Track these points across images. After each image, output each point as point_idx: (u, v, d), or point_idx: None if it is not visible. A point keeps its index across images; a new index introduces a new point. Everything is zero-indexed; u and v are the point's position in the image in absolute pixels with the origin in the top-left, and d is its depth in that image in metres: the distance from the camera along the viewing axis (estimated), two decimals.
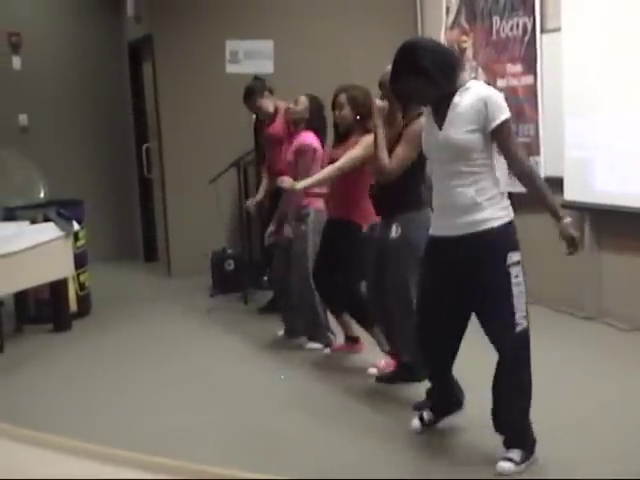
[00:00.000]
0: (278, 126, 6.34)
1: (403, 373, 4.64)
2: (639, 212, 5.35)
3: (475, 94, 3.44)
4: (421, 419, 3.96)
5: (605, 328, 5.63)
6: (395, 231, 4.32)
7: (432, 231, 3.66)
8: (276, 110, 6.46)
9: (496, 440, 3.60)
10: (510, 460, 3.48)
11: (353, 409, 4.39)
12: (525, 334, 3.50)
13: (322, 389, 4.72)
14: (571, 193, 5.90)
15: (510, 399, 3.54)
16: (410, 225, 4.27)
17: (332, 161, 5.05)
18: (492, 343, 3.56)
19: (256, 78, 6.71)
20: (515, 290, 3.44)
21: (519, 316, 3.45)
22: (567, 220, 3.48)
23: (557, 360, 5.01)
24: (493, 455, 3.57)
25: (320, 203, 5.30)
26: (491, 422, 3.62)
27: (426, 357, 3.89)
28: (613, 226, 5.77)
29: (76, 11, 9.04)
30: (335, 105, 5.05)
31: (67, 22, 8.98)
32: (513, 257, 3.45)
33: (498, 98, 3.46)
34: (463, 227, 3.48)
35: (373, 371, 4.84)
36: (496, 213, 3.46)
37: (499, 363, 3.57)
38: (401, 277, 4.30)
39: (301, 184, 4.96)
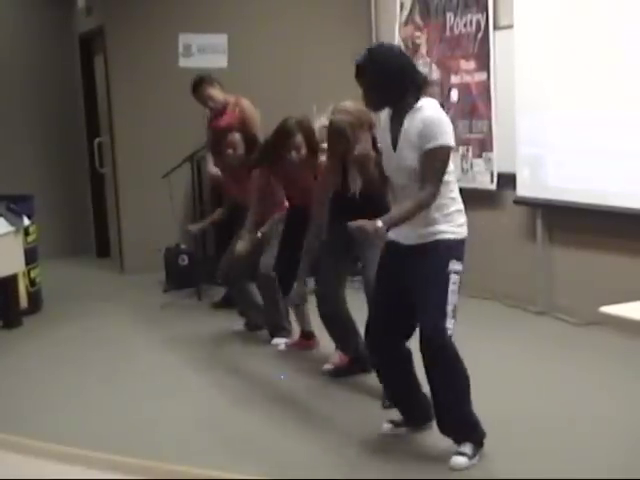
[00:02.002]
0: (229, 119, 6.29)
1: (355, 366, 4.71)
2: (589, 208, 5.42)
3: (420, 116, 3.41)
4: (392, 422, 3.92)
5: (557, 323, 5.71)
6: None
7: (389, 235, 3.65)
8: (226, 103, 6.40)
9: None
10: (463, 454, 3.51)
11: (306, 405, 4.39)
12: (450, 339, 3.49)
13: (278, 385, 4.72)
14: (523, 189, 5.96)
15: (447, 397, 3.56)
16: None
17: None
18: (420, 342, 3.53)
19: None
20: (450, 297, 3.45)
21: (449, 321, 3.45)
22: (379, 224, 3.34)
23: (508, 355, 5.06)
24: (446, 452, 3.60)
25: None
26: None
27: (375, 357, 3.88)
28: (564, 221, 5.85)
29: (24, 2, 8.89)
30: (291, 146, 4.88)
31: (15, 13, 8.81)
32: (455, 266, 3.48)
33: (440, 122, 3.41)
34: (416, 238, 3.52)
35: (328, 367, 4.85)
36: (450, 229, 3.49)
37: (427, 366, 3.57)
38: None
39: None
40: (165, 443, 3.92)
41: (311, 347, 5.32)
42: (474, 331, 5.03)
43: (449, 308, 3.45)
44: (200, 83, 6.40)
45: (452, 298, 3.46)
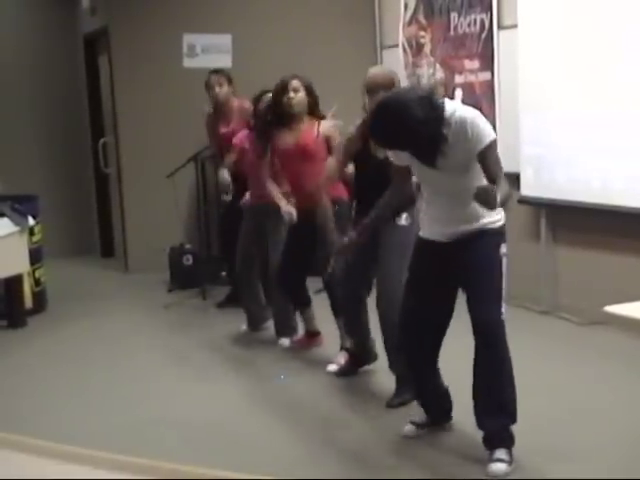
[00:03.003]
0: (236, 125, 6.29)
1: (357, 362, 4.73)
2: (594, 207, 5.42)
3: (458, 120, 3.40)
4: (413, 423, 3.91)
5: (561, 322, 5.70)
6: (406, 219, 4.26)
7: (425, 234, 3.67)
8: (229, 105, 6.41)
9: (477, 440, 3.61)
10: (501, 460, 3.46)
11: (312, 405, 4.39)
12: (503, 323, 3.58)
13: (283, 385, 4.72)
14: (527, 188, 5.96)
15: (494, 384, 3.56)
16: (416, 217, 4.22)
17: (283, 152, 5.02)
18: (477, 326, 3.55)
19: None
20: (504, 279, 3.56)
21: (503, 306, 3.55)
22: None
23: (512, 354, 5.04)
24: (464, 453, 3.60)
25: None
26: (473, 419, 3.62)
27: (410, 355, 3.87)
28: (568, 221, 5.85)
29: (29, 2, 8.91)
30: (287, 90, 4.94)
31: (20, 13, 8.84)
32: (504, 249, 3.59)
33: (480, 118, 3.45)
34: (460, 234, 3.55)
35: (332, 368, 4.85)
36: (496, 217, 3.56)
37: (481, 349, 3.57)
38: (404, 265, 4.23)
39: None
40: (170, 443, 3.92)
41: (316, 344, 5.32)
42: None
43: (503, 293, 3.53)
44: (222, 71, 6.58)
45: (504, 280, 3.55)
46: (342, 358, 4.87)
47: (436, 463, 3.61)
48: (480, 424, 3.58)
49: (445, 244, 3.60)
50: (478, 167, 3.47)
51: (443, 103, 3.45)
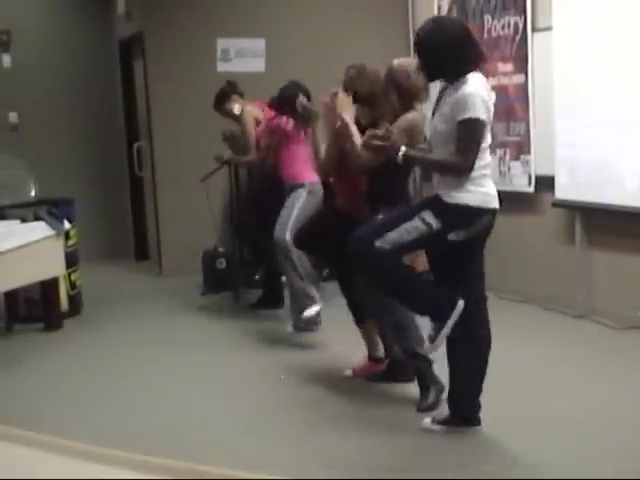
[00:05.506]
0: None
1: (389, 372, 4.68)
2: (629, 210, 5.37)
3: (459, 89, 3.57)
4: (433, 420, 3.95)
5: (595, 326, 5.65)
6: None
7: None
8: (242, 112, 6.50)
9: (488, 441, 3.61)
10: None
11: (340, 407, 4.39)
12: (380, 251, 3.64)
13: (311, 389, 4.72)
14: (562, 192, 5.92)
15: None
16: None
17: None
18: None
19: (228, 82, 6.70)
20: (403, 231, 3.64)
21: (379, 241, 3.63)
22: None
23: (546, 358, 5.02)
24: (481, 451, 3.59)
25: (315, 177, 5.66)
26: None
27: None
28: (604, 224, 5.79)
29: (66, 8, 9.01)
30: None
31: (57, 19, 8.95)
32: (454, 236, 3.62)
33: (472, 96, 3.53)
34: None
35: (348, 373, 4.83)
36: (448, 192, 3.65)
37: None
38: None
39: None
40: (201, 444, 3.94)
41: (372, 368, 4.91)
42: (512, 334, 5.00)
43: (393, 235, 3.62)
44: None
45: (402, 234, 3.62)
46: (359, 363, 4.86)
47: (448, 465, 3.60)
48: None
49: None
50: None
51: (476, 51, 3.72)
